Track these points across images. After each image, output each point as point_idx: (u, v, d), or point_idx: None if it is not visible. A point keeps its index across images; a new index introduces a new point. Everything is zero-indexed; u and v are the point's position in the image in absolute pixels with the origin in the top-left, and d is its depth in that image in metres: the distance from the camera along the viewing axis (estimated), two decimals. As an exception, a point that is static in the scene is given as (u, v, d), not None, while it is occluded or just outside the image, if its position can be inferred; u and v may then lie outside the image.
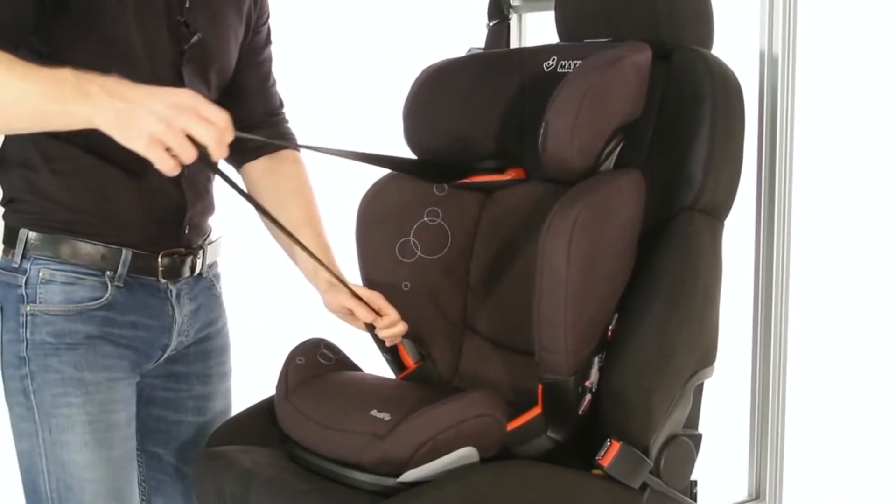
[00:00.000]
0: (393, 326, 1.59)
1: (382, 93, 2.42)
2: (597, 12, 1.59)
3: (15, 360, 1.50)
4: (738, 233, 1.61)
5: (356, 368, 1.62)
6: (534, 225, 1.50)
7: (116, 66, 1.30)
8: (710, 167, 1.44)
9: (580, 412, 1.41)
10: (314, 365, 1.55)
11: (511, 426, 1.40)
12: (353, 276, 1.63)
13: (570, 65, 1.60)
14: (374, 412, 1.39)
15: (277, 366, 1.55)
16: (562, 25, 1.65)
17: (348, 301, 1.58)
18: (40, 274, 1.49)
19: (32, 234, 1.49)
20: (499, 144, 1.68)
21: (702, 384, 1.51)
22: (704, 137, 1.44)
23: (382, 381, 1.57)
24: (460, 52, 1.83)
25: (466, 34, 2.03)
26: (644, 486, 1.42)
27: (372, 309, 1.58)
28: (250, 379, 1.80)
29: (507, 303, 1.63)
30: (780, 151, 1.69)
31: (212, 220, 1.67)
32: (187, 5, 1.51)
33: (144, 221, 1.53)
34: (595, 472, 1.40)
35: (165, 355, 1.60)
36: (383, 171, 1.64)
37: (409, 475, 1.32)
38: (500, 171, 1.68)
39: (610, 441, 1.39)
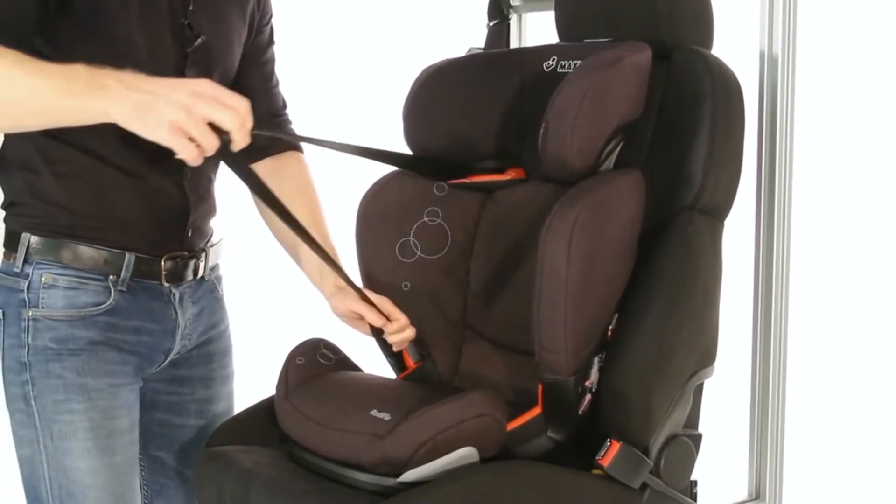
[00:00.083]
0: (402, 331, 1.59)
1: (383, 93, 2.42)
2: (597, 12, 1.59)
3: (16, 365, 1.48)
4: (738, 233, 1.61)
5: (356, 368, 1.62)
6: (534, 225, 1.50)
7: (119, 68, 1.29)
8: (710, 167, 1.44)
9: (580, 412, 1.41)
10: (314, 365, 1.55)
11: (511, 426, 1.40)
12: (353, 276, 1.63)
13: (570, 65, 1.60)
14: (374, 412, 1.39)
15: (278, 367, 1.55)
16: (562, 25, 1.65)
17: (357, 305, 1.57)
18: (42, 279, 1.47)
19: (34, 239, 1.48)
20: (499, 144, 1.68)
21: (702, 384, 1.51)
22: (704, 137, 1.44)
23: (382, 381, 1.57)
24: (460, 52, 1.83)
25: (466, 34, 2.03)
26: (644, 486, 1.42)
27: (381, 313, 1.58)
28: (251, 380, 1.80)
29: (507, 303, 1.63)
30: (780, 151, 1.70)
31: (213, 222, 1.66)
32: (191, 8, 1.50)
33: (147, 225, 1.52)
34: (595, 472, 1.40)
35: (168, 359, 1.58)
36: (383, 172, 1.65)
37: (409, 475, 1.32)
38: (500, 171, 1.68)
39: (610, 441, 1.39)
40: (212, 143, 1.26)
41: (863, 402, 3.14)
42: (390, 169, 1.66)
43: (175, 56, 1.50)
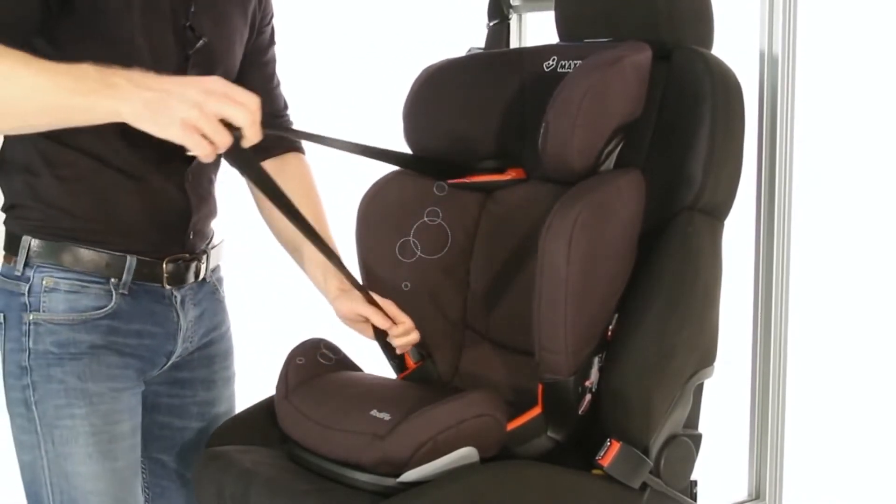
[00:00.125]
0: (407, 335, 1.58)
1: (383, 93, 2.42)
2: (597, 12, 1.59)
3: (16, 369, 1.47)
4: (738, 233, 1.61)
5: (356, 368, 1.61)
6: (534, 225, 1.50)
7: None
8: (710, 167, 1.44)
9: (580, 412, 1.41)
10: (314, 365, 1.55)
11: (511, 426, 1.40)
12: (354, 276, 1.63)
13: (570, 65, 1.60)
14: (374, 412, 1.39)
15: (278, 367, 1.54)
16: (562, 25, 1.65)
17: (363, 308, 1.56)
18: (44, 282, 1.46)
19: (35, 242, 1.47)
20: (499, 144, 1.68)
21: (702, 384, 1.51)
22: (704, 137, 1.44)
23: (382, 381, 1.57)
24: (460, 52, 1.83)
25: (466, 34, 2.03)
26: (644, 486, 1.42)
27: (387, 316, 1.57)
28: (251, 381, 1.80)
29: (507, 303, 1.63)
30: (780, 151, 1.70)
31: (214, 224, 1.66)
32: (193, 9, 1.49)
33: (148, 227, 1.51)
34: (595, 472, 1.40)
35: (170, 362, 1.58)
36: (384, 171, 1.65)
37: (409, 475, 1.32)
38: (500, 171, 1.68)
39: (610, 441, 1.39)
40: (225, 140, 1.25)
41: (863, 402, 3.14)
42: (391, 168, 1.66)
43: (176, 57, 1.49)
